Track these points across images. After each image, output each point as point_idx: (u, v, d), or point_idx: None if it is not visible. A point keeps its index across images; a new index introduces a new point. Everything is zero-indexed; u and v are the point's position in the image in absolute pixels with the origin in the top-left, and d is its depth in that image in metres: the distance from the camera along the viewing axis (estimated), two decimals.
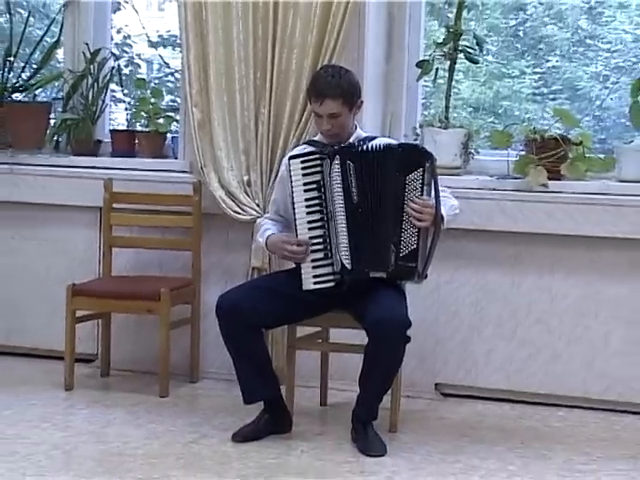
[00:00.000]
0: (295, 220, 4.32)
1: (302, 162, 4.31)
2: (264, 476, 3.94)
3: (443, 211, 4.23)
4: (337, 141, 4.35)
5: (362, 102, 4.44)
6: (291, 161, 4.34)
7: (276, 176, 4.88)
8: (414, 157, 4.23)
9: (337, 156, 4.25)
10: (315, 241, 4.30)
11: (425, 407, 4.90)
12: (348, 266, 4.25)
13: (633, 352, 4.82)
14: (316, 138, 4.51)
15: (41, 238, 5.55)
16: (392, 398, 4.43)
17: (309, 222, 4.30)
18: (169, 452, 4.18)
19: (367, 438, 4.24)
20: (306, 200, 4.30)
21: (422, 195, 4.20)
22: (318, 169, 4.28)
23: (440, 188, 4.28)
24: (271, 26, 4.93)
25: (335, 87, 4.28)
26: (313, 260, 4.29)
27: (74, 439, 4.32)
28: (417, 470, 4.04)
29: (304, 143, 4.60)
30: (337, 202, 4.25)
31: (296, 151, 4.50)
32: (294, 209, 4.31)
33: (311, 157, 4.31)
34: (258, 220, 4.64)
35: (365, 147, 4.28)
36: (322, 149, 4.34)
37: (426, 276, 4.29)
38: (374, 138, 4.43)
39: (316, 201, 4.29)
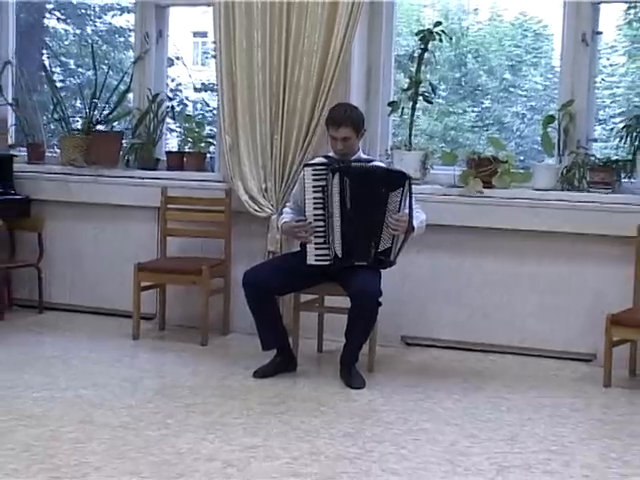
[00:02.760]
0: (305, 212, 4.26)
1: (313, 170, 4.24)
2: (276, 402, 3.90)
3: (415, 223, 4.21)
4: (344, 157, 4.29)
5: (365, 130, 4.40)
6: (305, 168, 4.29)
7: (287, 185, 4.88)
8: (397, 179, 4.20)
9: (338, 173, 4.18)
10: (318, 230, 4.24)
11: (394, 353, 4.81)
12: (340, 255, 4.21)
13: (543, 314, 4.76)
14: (330, 154, 4.41)
15: (115, 229, 5.46)
16: (369, 346, 4.37)
17: (314, 215, 4.23)
18: (208, 384, 4.13)
19: (351, 375, 4.18)
20: (314, 199, 4.23)
21: (400, 208, 4.15)
22: (324, 176, 4.21)
23: (414, 205, 4.23)
24: (282, 74, 4.85)
25: (347, 118, 4.24)
26: (316, 243, 4.24)
27: (139, 374, 4.27)
28: (388, 398, 4.00)
29: (321, 156, 4.50)
30: (335, 206, 4.19)
31: (312, 161, 4.45)
32: (305, 204, 4.26)
33: (320, 167, 4.25)
34: (284, 208, 4.60)
35: (361, 168, 4.22)
36: (329, 162, 4.28)
37: (395, 263, 4.28)
38: (370, 161, 4.39)
39: (320, 200, 4.23)
